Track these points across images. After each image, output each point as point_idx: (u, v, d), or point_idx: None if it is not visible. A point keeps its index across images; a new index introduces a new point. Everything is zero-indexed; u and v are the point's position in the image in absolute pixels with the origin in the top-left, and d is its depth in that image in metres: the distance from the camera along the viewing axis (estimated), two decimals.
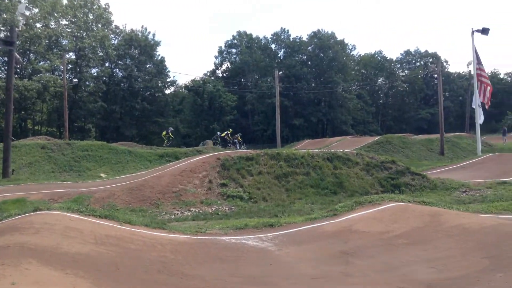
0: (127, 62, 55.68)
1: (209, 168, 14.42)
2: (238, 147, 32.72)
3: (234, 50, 70.31)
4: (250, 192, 13.43)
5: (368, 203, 9.47)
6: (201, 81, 58.87)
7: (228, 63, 70.80)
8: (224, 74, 69.93)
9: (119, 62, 55.11)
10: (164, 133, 33.69)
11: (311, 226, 8.69)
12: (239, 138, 35.26)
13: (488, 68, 77.11)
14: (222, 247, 7.31)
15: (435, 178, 15.32)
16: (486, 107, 27.31)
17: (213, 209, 12.30)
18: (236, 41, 69.80)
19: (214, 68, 70.98)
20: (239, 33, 69.89)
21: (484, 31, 25.83)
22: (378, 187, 14.28)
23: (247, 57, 65.95)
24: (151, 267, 5.52)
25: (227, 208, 12.37)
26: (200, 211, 12.11)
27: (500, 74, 75.50)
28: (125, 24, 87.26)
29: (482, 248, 5.64)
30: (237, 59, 69.03)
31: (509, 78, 76.75)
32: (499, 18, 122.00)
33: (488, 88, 26.62)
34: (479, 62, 26.64)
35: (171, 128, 35.27)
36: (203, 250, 7.01)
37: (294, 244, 7.44)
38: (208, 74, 69.05)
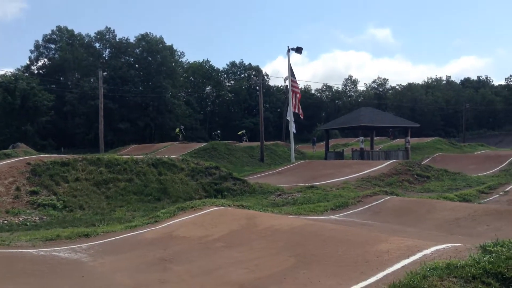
0: None
1: (17, 174, 12.85)
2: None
3: (53, 46, 64.59)
4: (65, 200, 12.37)
5: (190, 208, 9.57)
6: (12, 77, 52.55)
7: (46, 60, 64.89)
8: (41, 71, 63.62)
9: None
10: None
11: (130, 234, 8.43)
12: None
13: (301, 84, 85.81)
14: (29, 260, 6.66)
15: (254, 183, 16.25)
16: (301, 117, 30.11)
17: (21, 219, 10.99)
18: (55, 36, 64.29)
19: (29, 63, 64.29)
20: (59, 28, 64.51)
21: (298, 50, 28.65)
22: (202, 192, 14.54)
23: (68, 54, 61.23)
24: None
25: (37, 218, 11.17)
26: (5, 221, 10.71)
27: (311, 90, 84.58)
28: None
29: (290, 248, 6.11)
30: (56, 55, 63.65)
31: (318, 94, 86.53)
32: (311, 40, 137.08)
33: (297, 95, 29.56)
34: (293, 76, 29.34)
35: None
36: (5, 264, 6.31)
37: (111, 254, 7.12)
38: (22, 69, 62.16)
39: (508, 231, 7.63)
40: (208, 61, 78.73)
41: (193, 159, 17.86)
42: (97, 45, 66.33)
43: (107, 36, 65.84)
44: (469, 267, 4.08)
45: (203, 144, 36.13)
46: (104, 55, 66.46)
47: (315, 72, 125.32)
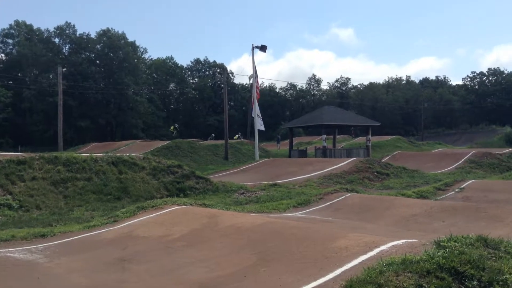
0: None
1: None
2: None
3: (10, 41, 62.23)
4: (21, 199, 11.92)
5: (151, 208, 9.43)
6: None
7: (3, 55, 62.61)
8: None
9: None
10: None
11: (88, 234, 8.25)
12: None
13: (266, 82, 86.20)
14: None
15: (217, 181, 16.17)
16: (257, 97, 29.59)
17: None
18: (13, 31, 61.94)
19: None
20: (17, 22, 62.22)
21: (263, 48, 28.72)
22: (164, 191, 14.34)
23: (26, 49, 59.09)
24: None
25: None
26: None
27: (276, 88, 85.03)
28: None
29: (251, 246, 6.11)
30: (14, 51, 61.37)
31: (283, 92, 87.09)
32: (277, 38, 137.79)
33: (257, 90, 29.74)
34: (256, 74, 29.38)
35: None
36: None
37: (68, 255, 6.95)
38: None
39: (463, 226, 7.91)
40: (171, 57, 78.07)
41: (155, 157, 17.59)
42: (56, 40, 64.44)
43: (67, 31, 64.00)
44: (424, 262, 4.19)
45: (166, 142, 35.70)
46: (63, 50, 64.68)
47: (280, 70, 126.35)
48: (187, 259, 6.04)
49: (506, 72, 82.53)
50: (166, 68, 75.66)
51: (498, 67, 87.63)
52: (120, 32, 64.88)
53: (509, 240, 4.96)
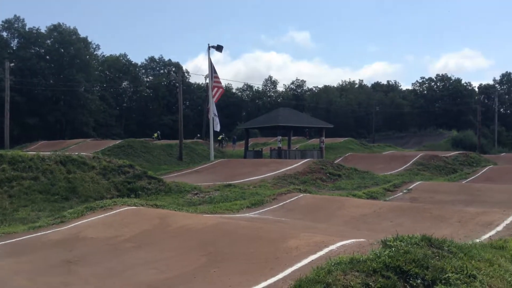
0: None
1: None
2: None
3: None
4: None
5: (100, 208, 9.19)
6: None
7: None
8: None
9: None
10: None
11: (34, 235, 7.96)
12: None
13: (223, 83, 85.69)
14: None
15: (171, 181, 15.94)
16: (215, 100, 29.34)
17: None
18: None
19: None
20: None
21: (219, 48, 28.59)
22: (115, 191, 13.98)
23: None
24: None
25: None
26: None
27: (233, 89, 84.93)
28: None
29: (202, 246, 6.05)
30: None
31: (239, 93, 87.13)
32: (234, 39, 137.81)
33: (220, 90, 29.52)
34: (215, 72, 29.18)
35: None
36: None
37: (11, 256, 6.69)
38: None
39: (409, 226, 8.18)
40: (125, 55, 76.20)
41: (106, 156, 17.14)
42: (4, 34, 61.36)
43: (16, 25, 61.09)
44: (371, 261, 4.28)
45: (118, 141, 34.83)
46: (12, 45, 61.63)
47: (237, 71, 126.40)
48: (136, 260, 5.91)
49: (453, 78, 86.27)
50: (120, 66, 73.80)
51: (445, 73, 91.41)
52: (71, 27, 62.82)
53: (452, 240, 5.17)
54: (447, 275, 4.16)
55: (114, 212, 8.73)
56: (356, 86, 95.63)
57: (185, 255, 5.86)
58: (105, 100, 66.62)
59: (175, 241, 6.53)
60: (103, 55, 74.17)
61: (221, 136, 45.88)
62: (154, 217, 7.98)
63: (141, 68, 78.90)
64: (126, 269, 5.59)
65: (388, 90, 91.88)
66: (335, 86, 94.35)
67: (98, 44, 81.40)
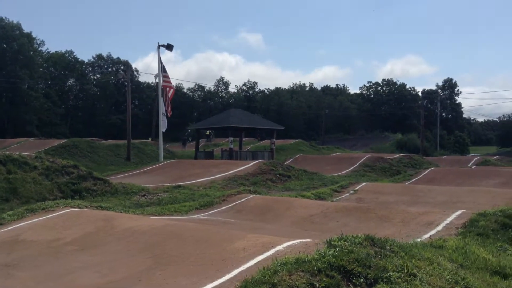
0: None
1: None
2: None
3: None
4: None
5: (41, 210, 8.82)
6: None
7: None
8: None
9: None
10: None
11: None
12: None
13: (173, 82, 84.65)
14: None
15: (117, 183, 15.53)
16: (169, 115, 29.39)
17: None
18: None
19: None
20: None
21: (169, 47, 28.19)
22: (58, 192, 13.45)
23: None
24: None
25: None
26: None
27: (184, 89, 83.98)
28: None
29: (148, 249, 5.94)
30: None
31: (191, 93, 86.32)
32: (186, 39, 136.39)
33: (171, 90, 29.14)
34: (165, 71, 28.73)
35: None
36: None
37: None
38: None
39: (355, 226, 8.39)
40: (71, 52, 73.59)
41: (50, 156, 16.47)
42: None
43: None
44: (315, 261, 4.35)
45: (62, 141, 33.57)
46: None
47: (189, 71, 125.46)
48: (78, 264, 5.71)
49: (398, 83, 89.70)
50: (65, 63, 71.14)
51: (391, 78, 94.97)
52: (15, 22, 59.92)
53: (394, 239, 5.34)
54: (388, 274, 4.30)
55: (56, 214, 8.40)
56: (307, 89, 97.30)
57: (130, 257, 5.72)
58: (50, 98, 64.04)
59: (120, 243, 6.37)
60: (48, 52, 71.34)
61: (209, 131, 46.81)
62: (98, 219, 7.74)
63: (88, 66, 76.51)
64: (68, 272, 5.39)
65: (337, 93, 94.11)
66: (286, 88, 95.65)
67: (43, 40, 78.10)
